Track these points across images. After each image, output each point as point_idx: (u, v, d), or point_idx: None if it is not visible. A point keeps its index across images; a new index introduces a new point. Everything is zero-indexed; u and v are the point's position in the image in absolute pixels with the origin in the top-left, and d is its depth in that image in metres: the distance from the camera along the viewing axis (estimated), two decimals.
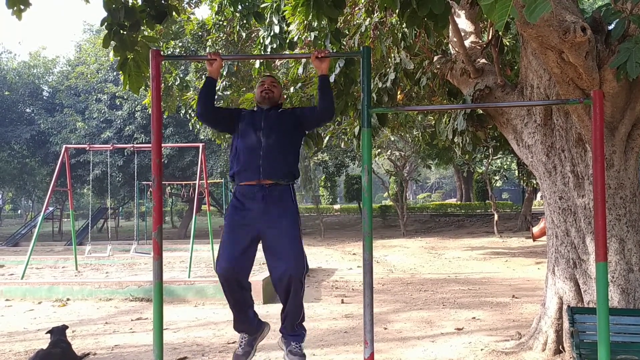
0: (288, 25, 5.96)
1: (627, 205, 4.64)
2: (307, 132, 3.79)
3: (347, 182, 31.09)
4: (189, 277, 10.05)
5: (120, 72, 4.58)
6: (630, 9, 3.87)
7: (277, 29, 6.23)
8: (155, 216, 2.92)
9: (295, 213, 3.40)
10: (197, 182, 12.72)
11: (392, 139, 21.12)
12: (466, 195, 32.51)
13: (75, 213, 13.82)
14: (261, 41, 6.44)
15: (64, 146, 11.82)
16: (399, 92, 7.21)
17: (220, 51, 9.81)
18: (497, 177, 29.67)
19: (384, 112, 6.21)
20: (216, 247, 5.39)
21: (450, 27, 5.70)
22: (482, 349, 5.53)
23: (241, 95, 9.96)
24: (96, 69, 25.65)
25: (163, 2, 4.72)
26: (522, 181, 21.81)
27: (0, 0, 4.52)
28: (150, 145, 3.14)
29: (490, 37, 5.92)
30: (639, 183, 4.76)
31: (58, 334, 5.12)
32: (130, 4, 4.61)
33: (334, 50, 5.31)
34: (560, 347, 4.95)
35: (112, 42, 4.51)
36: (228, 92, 10.25)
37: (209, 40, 9.99)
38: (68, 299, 9.00)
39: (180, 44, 11.20)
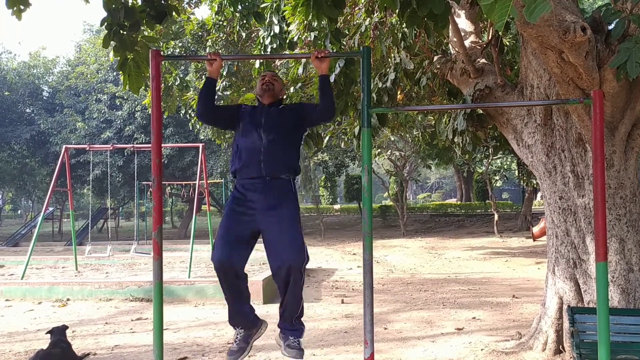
0: (288, 25, 5.96)
1: (627, 205, 4.64)
2: (308, 129, 3.77)
3: (347, 182, 31.09)
4: (189, 277, 10.05)
5: (120, 72, 4.58)
6: (630, 9, 3.87)
7: (277, 29, 6.23)
8: (155, 216, 2.92)
9: (295, 204, 3.40)
10: (197, 182, 12.72)
11: (392, 139, 21.12)
12: (466, 195, 32.51)
13: (75, 213, 13.82)
14: (261, 41, 6.44)
15: (64, 146, 11.83)
16: (399, 92, 7.21)
17: (220, 51, 9.81)
18: (497, 177, 29.68)
19: (384, 112, 6.21)
20: None
21: (450, 27, 5.70)
22: (482, 349, 5.53)
23: (241, 95, 9.97)
24: (96, 69, 25.66)
25: (163, 2, 4.72)
26: (522, 181, 21.81)
27: (0, 1, 4.52)
28: (150, 145, 3.13)
29: (490, 37, 5.92)
30: (639, 183, 4.76)
31: (58, 334, 5.12)
32: (130, 4, 4.60)
33: (334, 50, 5.31)
34: (561, 347, 4.95)
35: (112, 42, 4.51)
36: (228, 92, 10.25)
37: (209, 40, 9.99)
38: (68, 299, 9.00)
39: (180, 44, 11.20)
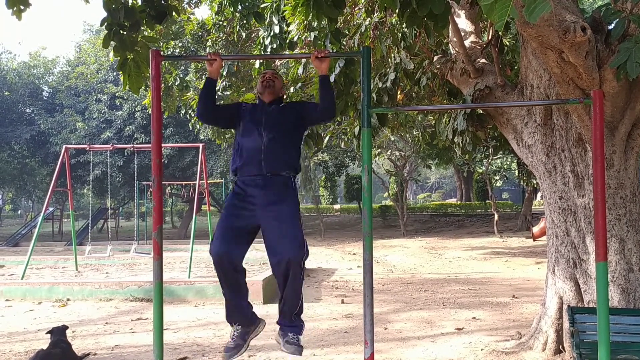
0: (288, 25, 5.96)
1: (627, 205, 4.64)
2: (308, 129, 3.75)
3: (347, 182, 31.09)
4: (189, 277, 10.05)
5: (120, 72, 4.58)
6: (630, 9, 3.87)
7: (277, 29, 6.23)
8: (156, 216, 2.92)
9: (295, 200, 3.40)
10: (197, 182, 12.72)
11: (392, 139, 21.12)
12: (466, 195, 32.51)
13: (75, 213, 13.82)
14: (261, 41, 6.44)
15: (64, 146, 11.83)
16: (399, 92, 7.21)
17: (220, 51, 9.81)
18: (497, 177, 29.67)
19: (384, 112, 6.21)
20: None
21: (450, 27, 5.70)
22: (482, 349, 5.53)
23: (241, 95, 9.97)
24: (96, 69, 25.66)
25: (163, 2, 4.72)
26: (522, 181, 21.80)
27: (0, 1, 4.52)
28: (150, 145, 3.13)
29: (490, 37, 5.92)
30: (639, 183, 4.76)
31: (58, 334, 5.12)
32: (130, 4, 4.61)
33: (334, 50, 5.31)
34: (561, 347, 4.95)
35: (112, 42, 4.51)
36: (228, 92, 10.25)
37: (209, 40, 9.99)
38: (68, 299, 9.00)
39: (180, 44, 11.20)
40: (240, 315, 3.43)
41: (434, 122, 9.50)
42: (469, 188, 32.42)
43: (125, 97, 23.13)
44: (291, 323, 3.39)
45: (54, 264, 13.92)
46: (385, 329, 6.69)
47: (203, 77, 11.15)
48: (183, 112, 12.43)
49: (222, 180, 21.24)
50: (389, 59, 6.63)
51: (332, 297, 9.05)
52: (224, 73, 8.83)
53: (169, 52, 10.80)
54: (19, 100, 25.99)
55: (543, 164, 5.07)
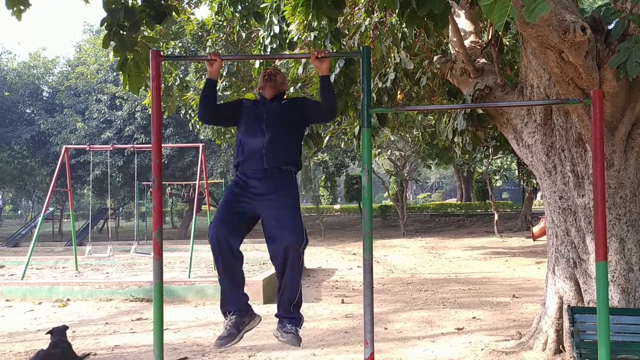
0: (288, 25, 5.95)
1: (627, 204, 4.64)
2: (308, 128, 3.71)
3: (347, 182, 31.08)
4: (189, 277, 10.06)
5: (120, 72, 4.58)
6: (630, 9, 3.87)
7: (277, 29, 6.23)
8: (156, 216, 2.92)
9: (295, 192, 3.39)
10: (197, 182, 12.72)
11: (392, 139, 21.12)
12: (466, 195, 32.51)
13: (75, 213, 13.82)
14: (261, 41, 6.45)
15: (64, 146, 11.83)
16: (399, 92, 7.21)
17: (220, 51, 9.81)
18: (497, 177, 29.66)
19: (384, 112, 6.21)
20: None
21: (450, 26, 5.70)
22: (482, 349, 5.53)
23: (241, 95, 9.96)
24: (96, 70, 25.66)
25: (163, 2, 4.72)
26: (522, 181, 21.80)
27: (0, 1, 4.52)
28: (150, 145, 3.13)
29: (490, 37, 5.92)
30: (639, 182, 4.76)
31: (58, 334, 5.12)
32: (130, 4, 4.61)
33: (334, 50, 5.31)
34: (561, 346, 4.95)
35: (112, 43, 4.51)
36: (228, 92, 10.25)
37: (209, 40, 9.99)
38: (68, 300, 9.00)
39: (180, 44, 11.20)
40: (236, 304, 3.35)
41: (434, 122, 9.49)
42: (469, 188, 32.42)
43: (125, 97, 23.13)
44: (290, 314, 3.33)
45: (54, 264, 13.92)
46: (386, 329, 6.69)
47: (203, 77, 11.16)
48: (183, 112, 12.44)
49: (222, 180, 21.24)
50: (389, 59, 6.63)
51: (332, 297, 9.05)
52: (224, 73, 8.83)
53: (169, 52, 10.80)
54: (19, 101, 25.99)
55: (543, 163, 5.08)
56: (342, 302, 8.60)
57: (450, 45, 6.36)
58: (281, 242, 3.17)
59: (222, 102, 3.77)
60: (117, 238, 24.07)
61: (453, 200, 39.04)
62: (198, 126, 12.71)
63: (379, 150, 22.45)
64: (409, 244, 19.20)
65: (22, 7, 4.51)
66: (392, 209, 27.68)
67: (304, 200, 42.19)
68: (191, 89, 11.57)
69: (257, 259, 13.70)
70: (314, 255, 16.00)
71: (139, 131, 23.22)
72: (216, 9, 8.99)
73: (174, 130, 23.09)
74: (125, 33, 4.47)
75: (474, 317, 7.19)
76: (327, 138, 9.80)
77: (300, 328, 3.35)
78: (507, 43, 7.12)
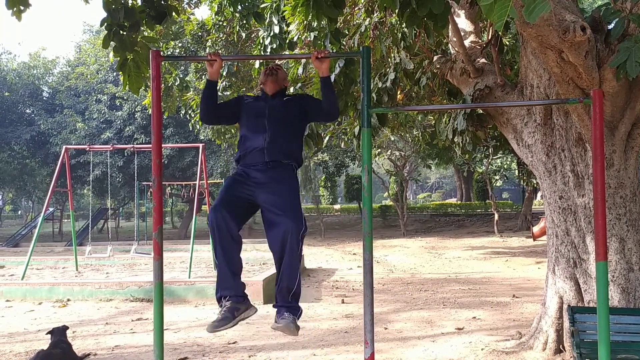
0: (288, 25, 5.96)
1: (627, 204, 4.64)
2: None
3: (347, 182, 31.08)
4: (189, 277, 10.06)
5: (120, 72, 4.58)
6: (629, 8, 3.87)
7: (277, 29, 6.24)
8: (156, 217, 2.92)
9: (295, 181, 3.40)
10: (197, 182, 12.73)
11: (392, 139, 21.12)
12: (466, 195, 32.51)
13: (75, 214, 13.82)
14: (261, 41, 6.45)
15: (64, 147, 11.83)
16: (399, 92, 7.21)
17: (220, 51, 9.81)
18: (497, 177, 29.66)
19: (384, 112, 6.21)
20: None
21: (450, 26, 5.70)
22: (482, 349, 5.53)
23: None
24: (96, 70, 25.66)
25: (163, 2, 4.72)
26: (522, 181, 21.80)
27: (0, 1, 4.53)
28: (150, 145, 3.14)
29: (490, 37, 5.92)
30: (639, 182, 4.76)
31: (58, 334, 5.12)
32: (130, 5, 4.61)
33: (334, 50, 5.31)
34: (561, 346, 4.95)
35: (112, 43, 4.51)
36: (228, 92, 10.25)
37: (209, 40, 9.99)
38: (68, 300, 9.00)
39: (180, 45, 11.20)
40: (232, 289, 3.28)
41: (434, 122, 9.50)
42: (469, 188, 32.42)
43: (125, 98, 23.14)
44: (288, 303, 3.28)
45: (54, 264, 13.92)
46: (386, 328, 6.69)
47: (203, 77, 11.16)
48: (183, 112, 12.44)
49: (222, 181, 21.22)
50: (389, 59, 6.63)
51: (332, 297, 9.06)
52: (224, 73, 8.84)
53: (169, 53, 10.80)
54: (19, 101, 25.99)
55: (543, 163, 5.08)
56: (342, 302, 8.60)
57: (450, 45, 6.36)
58: (280, 228, 3.15)
59: (222, 101, 3.76)
60: (117, 238, 24.07)
61: (453, 200, 39.04)
62: (198, 126, 12.71)
63: (379, 150, 22.46)
64: (409, 244, 19.20)
65: (22, 8, 4.51)
66: (392, 209, 27.68)
67: (304, 200, 42.21)
68: (191, 89, 11.57)
69: (257, 259, 13.70)
70: (314, 255, 16.00)
71: (139, 131, 23.22)
72: (216, 9, 8.99)
73: (174, 130, 23.10)
74: (125, 33, 4.48)
75: (474, 317, 7.19)
76: (327, 138, 9.80)
77: (298, 318, 3.28)
78: (507, 43, 7.12)
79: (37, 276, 11.39)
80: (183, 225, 27.40)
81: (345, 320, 7.22)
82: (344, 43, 6.08)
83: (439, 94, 7.57)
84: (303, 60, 6.24)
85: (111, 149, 12.96)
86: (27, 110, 26.48)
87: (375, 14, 5.97)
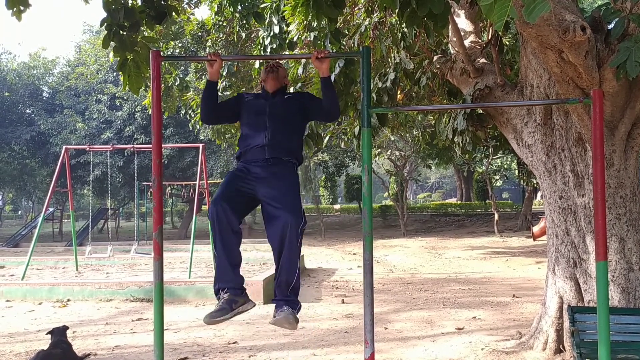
0: (288, 25, 5.96)
1: (627, 204, 4.64)
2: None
3: (347, 182, 31.08)
4: (189, 277, 10.06)
5: (120, 72, 4.58)
6: (629, 8, 3.87)
7: (276, 29, 6.24)
8: (156, 217, 2.92)
9: (295, 177, 3.40)
10: (197, 182, 12.73)
11: (392, 138, 21.12)
12: (466, 195, 32.51)
13: (75, 214, 13.82)
14: (261, 41, 6.45)
15: (64, 147, 11.83)
16: (398, 92, 7.21)
17: (220, 51, 9.81)
18: (497, 177, 29.67)
19: (384, 112, 6.21)
20: None
21: (450, 26, 5.70)
22: (482, 349, 5.53)
23: None
24: (96, 70, 25.66)
25: (163, 2, 4.72)
26: (522, 181, 21.80)
27: (0, 1, 4.53)
28: (150, 145, 3.14)
29: (489, 37, 5.92)
30: (639, 182, 4.76)
31: (59, 334, 5.12)
32: (129, 5, 4.61)
33: (334, 50, 5.31)
34: (561, 346, 4.95)
35: (112, 43, 4.51)
36: (228, 92, 10.25)
37: (209, 40, 9.99)
38: (68, 300, 9.00)
39: (180, 45, 11.20)
40: (231, 282, 3.25)
41: (434, 122, 9.49)
42: (469, 188, 32.42)
43: (125, 98, 23.14)
44: (287, 297, 3.24)
45: (54, 264, 13.92)
46: (386, 328, 6.69)
47: (203, 77, 11.17)
48: (183, 112, 12.44)
49: (222, 181, 21.19)
50: (389, 59, 6.63)
51: (332, 297, 9.05)
52: (224, 73, 8.84)
53: (169, 53, 10.80)
54: (19, 101, 25.99)
55: (543, 163, 5.08)
56: (343, 302, 8.60)
57: (450, 45, 6.36)
58: (279, 221, 3.15)
59: (222, 101, 3.77)
60: (117, 238, 24.07)
61: (453, 200, 39.04)
62: (198, 126, 12.71)
63: (379, 150, 22.46)
64: (409, 243, 19.20)
65: (22, 8, 4.51)
66: (392, 209, 27.68)
67: (304, 200, 42.21)
68: (191, 89, 11.57)
69: (257, 259, 13.70)
70: (314, 255, 16.00)
71: (139, 131, 23.22)
72: (216, 9, 9.00)
73: (174, 130, 23.10)
74: (125, 33, 4.48)
75: (474, 317, 7.19)
76: (327, 138, 9.79)
77: (297, 312, 3.24)
78: (507, 43, 7.12)
79: (37, 276, 11.39)
80: (183, 225, 27.40)
81: (345, 320, 7.22)
82: (344, 43, 6.08)
83: (439, 94, 7.57)
84: (303, 60, 6.24)
85: (111, 149, 12.96)
86: (27, 111, 26.48)
87: (375, 14, 5.97)
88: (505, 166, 31.27)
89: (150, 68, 2.98)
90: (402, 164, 24.53)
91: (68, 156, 11.75)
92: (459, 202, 32.77)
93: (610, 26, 4.08)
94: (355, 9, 6.76)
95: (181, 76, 11.27)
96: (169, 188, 20.40)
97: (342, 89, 5.88)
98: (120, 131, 23.61)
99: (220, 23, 9.66)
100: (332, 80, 5.60)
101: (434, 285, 10.21)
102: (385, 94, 6.30)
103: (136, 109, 22.98)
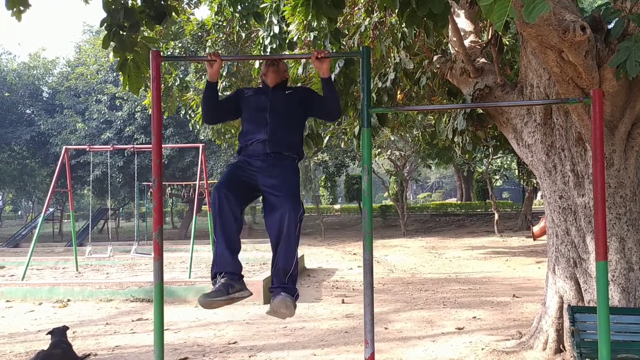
0: (287, 25, 5.96)
1: (627, 204, 4.64)
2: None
3: (347, 182, 31.09)
4: (189, 277, 10.06)
5: (120, 72, 4.59)
6: (629, 8, 3.87)
7: (276, 29, 6.24)
8: (156, 217, 2.92)
9: (296, 169, 3.41)
10: (197, 182, 12.73)
11: (392, 138, 21.12)
12: (466, 195, 32.51)
13: (75, 214, 13.82)
14: (261, 41, 6.45)
15: (64, 147, 11.83)
16: (398, 92, 7.21)
17: (220, 52, 9.82)
18: (497, 177, 29.67)
19: (384, 112, 6.21)
20: None
21: (450, 26, 5.70)
22: (482, 349, 5.53)
23: None
24: (96, 70, 25.66)
25: (162, 2, 4.72)
26: (522, 180, 21.80)
27: (0, 2, 4.53)
28: (150, 145, 3.14)
29: (489, 37, 5.92)
30: (639, 182, 4.76)
31: (59, 334, 5.12)
32: (129, 5, 4.61)
33: (334, 50, 5.31)
34: (561, 346, 4.95)
35: (112, 43, 4.52)
36: (228, 93, 10.25)
37: (209, 40, 9.99)
38: (69, 300, 9.00)
39: (180, 45, 11.20)
40: (229, 266, 3.20)
41: (434, 121, 9.49)
42: (469, 187, 32.42)
43: (125, 98, 23.14)
44: (284, 284, 3.19)
45: (54, 264, 13.92)
46: (386, 328, 6.69)
47: (203, 77, 11.17)
48: (183, 112, 12.44)
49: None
50: (389, 59, 6.63)
51: (332, 297, 9.05)
52: (224, 73, 8.84)
53: (169, 53, 10.80)
54: (19, 101, 25.99)
55: (543, 163, 5.08)
56: (343, 302, 8.60)
57: (450, 45, 6.36)
58: (278, 209, 3.15)
59: (222, 99, 3.77)
60: (117, 238, 24.07)
61: (453, 200, 39.03)
62: (198, 126, 12.71)
63: (379, 150, 22.46)
64: (409, 243, 19.20)
65: (22, 8, 4.51)
66: (392, 208, 27.68)
67: (304, 200, 42.17)
68: (191, 89, 11.57)
69: (257, 259, 13.70)
70: (314, 255, 16.00)
71: (139, 131, 23.22)
72: (216, 9, 9.00)
73: (174, 130, 23.10)
74: (125, 33, 4.48)
75: (475, 317, 7.19)
76: (327, 138, 9.79)
77: (294, 300, 3.19)
78: (507, 43, 7.12)
79: (38, 276, 11.39)
80: (183, 226, 27.39)
81: (345, 320, 7.22)
82: (344, 43, 6.08)
83: (439, 94, 7.57)
84: (303, 60, 6.24)
85: (111, 149, 12.96)
86: (27, 111, 26.48)
87: (375, 14, 5.97)
88: (505, 166, 31.27)
89: (150, 68, 2.98)
90: (402, 164, 24.53)
91: (68, 156, 11.75)
92: (459, 202, 32.77)
93: (610, 26, 4.08)
94: (355, 9, 6.76)
95: (181, 76, 11.27)
96: (169, 188, 20.40)
97: (342, 89, 5.88)
98: (120, 131, 23.61)
99: (220, 23, 9.66)
100: (332, 80, 5.60)
101: (434, 285, 10.21)
102: (385, 94, 6.30)
103: (136, 109, 22.98)
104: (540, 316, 5.25)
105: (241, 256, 3.29)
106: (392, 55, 6.46)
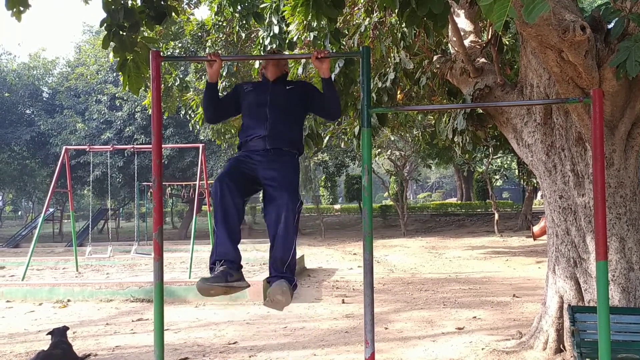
0: (287, 25, 5.96)
1: (627, 203, 4.64)
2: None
3: (347, 182, 31.08)
4: (189, 277, 10.05)
5: (120, 73, 4.59)
6: (629, 8, 3.87)
7: (276, 29, 6.24)
8: (156, 217, 2.92)
9: (295, 164, 3.42)
10: (197, 182, 12.72)
11: (392, 138, 21.12)
12: (466, 195, 32.51)
13: (75, 214, 13.82)
14: (261, 41, 6.45)
15: (64, 147, 11.83)
16: (398, 92, 7.21)
17: (219, 52, 9.82)
18: (497, 177, 29.67)
19: (384, 112, 6.21)
20: None
21: (450, 26, 5.70)
22: (483, 348, 5.53)
23: None
24: (96, 70, 25.66)
25: (162, 2, 4.73)
26: (522, 180, 21.80)
27: (0, 2, 4.53)
28: (150, 146, 3.15)
29: (489, 37, 5.92)
30: (639, 182, 4.76)
31: (59, 335, 5.12)
32: (129, 5, 4.61)
33: (334, 50, 5.31)
34: (561, 346, 4.95)
35: (112, 43, 4.52)
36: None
37: (209, 40, 10.00)
38: (69, 300, 9.00)
39: (179, 45, 11.20)
40: (229, 254, 3.18)
41: (434, 121, 9.49)
42: (469, 187, 32.42)
43: (125, 98, 23.14)
44: (282, 273, 3.18)
45: (54, 265, 13.92)
46: (386, 328, 6.69)
47: (203, 77, 11.17)
48: (183, 112, 12.45)
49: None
50: (389, 59, 6.63)
51: (332, 297, 9.05)
52: (224, 73, 8.84)
53: (169, 53, 10.80)
54: (18, 102, 25.99)
55: (543, 163, 5.08)
56: (343, 302, 8.60)
57: (450, 45, 6.36)
58: (276, 201, 3.17)
59: (221, 98, 3.77)
60: (117, 239, 24.06)
61: (453, 200, 39.03)
62: (198, 126, 12.71)
63: (379, 150, 22.46)
64: (409, 243, 19.20)
65: (21, 8, 4.51)
66: (392, 208, 27.67)
67: (304, 200, 42.19)
68: (191, 89, 11.58)
69: (257, 259, 13.70)
70: (314, 255, 16.00)
71: (139, 132, 23.22)
72: (216, 10, 9.00)
73: (174, 130, 23.10)
74: (124, 34, 4.48)
75: (475, 317, 7.19)
76: (327, 138, 9.79)
77: (292, 288, 3.16)
78: (507, 42, 7.12)
79: (38, 277, 11.39)
80: (183, 226, 27.39)
81: (345, 320, 7.22)
82: (344, 43, 6.08)
83: (439, 94, 7.57)
84: (303, 60, 6.24)
85: (111, 149, 12.96)
86: (27, 111, 26.48)
87: (375, 14, 5.97)
88: (505, 166, 31.26)
89: (150, 68, 2.98)
90: (402, 163, 24.53)
91: (68, 157, 11.75)
92: (459, 202, 32.77)
93: (610, 26, 4.08)
94: (355, 9, 6.76)
95: (181, 76, 11.28)
96: (169, 188, 20.40)
97: (342, 89, 5.89)
98: (120, 131, 23.61)
99: (220, 23, 9.67)
100: (332, 80, 5.60)
101: (434, 285, 10.21)
102: (385, 94, 6.30)
103: (136, 109, 22.98)
104: (541, 316, 5.25)
105: (241, 256, 3.29)
106: (392, 55, 6.46)
